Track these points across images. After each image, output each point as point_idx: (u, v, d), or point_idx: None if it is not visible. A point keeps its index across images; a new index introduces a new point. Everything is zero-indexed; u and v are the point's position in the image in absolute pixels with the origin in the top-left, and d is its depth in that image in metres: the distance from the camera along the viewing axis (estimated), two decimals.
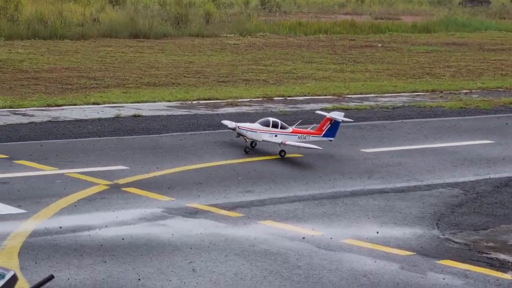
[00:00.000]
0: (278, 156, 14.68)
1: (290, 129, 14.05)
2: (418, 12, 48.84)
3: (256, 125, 13.94)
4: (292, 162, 14.51)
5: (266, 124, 13.96)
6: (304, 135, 14.23)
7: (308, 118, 17.47)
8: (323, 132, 14.23)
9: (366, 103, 21.19)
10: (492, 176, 14.13)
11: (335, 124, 14.27)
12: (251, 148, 14.34)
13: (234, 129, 13.79)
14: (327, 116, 14.23)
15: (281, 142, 13.95)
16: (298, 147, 13.99)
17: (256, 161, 14.56)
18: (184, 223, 10.90)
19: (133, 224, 10.79)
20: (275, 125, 13.93)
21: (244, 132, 13.73)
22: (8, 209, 11.12)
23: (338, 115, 14.51)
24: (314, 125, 14.59)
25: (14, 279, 2.73)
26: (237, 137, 13.97)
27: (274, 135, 13.72)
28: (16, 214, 10.92)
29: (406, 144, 16.56)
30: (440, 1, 56.53)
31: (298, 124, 14.62)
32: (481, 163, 15.11)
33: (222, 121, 14.55)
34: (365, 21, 41.09)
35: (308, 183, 13.24)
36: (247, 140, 14.04)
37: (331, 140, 14.42)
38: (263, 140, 13.91)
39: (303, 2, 52.16)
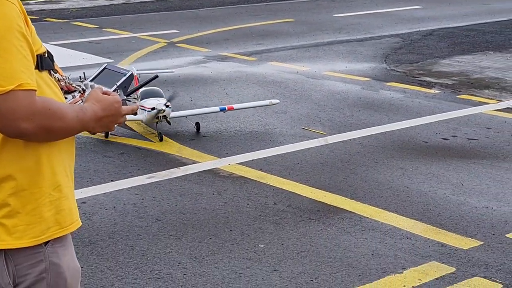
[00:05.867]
0: (277, 21, 14.69)
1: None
2: None
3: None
4: (287, 24, 14.54)
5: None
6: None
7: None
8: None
9: None
10: (421, 29, 14.14)
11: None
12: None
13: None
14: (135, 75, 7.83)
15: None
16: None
17: (262, 24, 14.59)
18: (218, 65, 11.04)
19: (185, 66, 10.93)
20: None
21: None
22: (109, 60, 11.26)
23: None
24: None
25: (132, 76, 2.80)
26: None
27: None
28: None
29: (363, 10, 16.50)
30: None
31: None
32: (413, 21, 15.10)
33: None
34: None
35: (299, 37, 13.29)
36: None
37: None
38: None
39: None
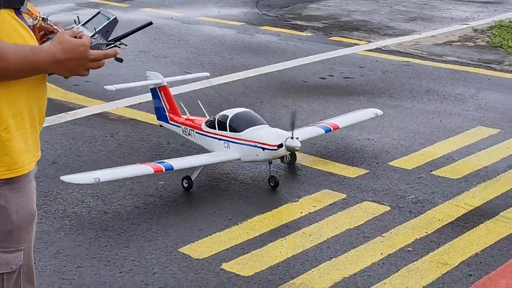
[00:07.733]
0: None
1: None
2: None
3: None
4: None
5: None
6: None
7: None
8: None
9: None
10: None
11: None
12: None
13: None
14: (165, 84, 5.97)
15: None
16: None
17: None
18: (91, 11, 10.87)
19: (56, 13, 10.62)
20: None
21: None
22: None
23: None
24: None
25: (115, 20, 2.65)
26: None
27: None
28: None
29: None
30: None
31: None
32: None
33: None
34: None
35: None
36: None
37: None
38: None
39: None
